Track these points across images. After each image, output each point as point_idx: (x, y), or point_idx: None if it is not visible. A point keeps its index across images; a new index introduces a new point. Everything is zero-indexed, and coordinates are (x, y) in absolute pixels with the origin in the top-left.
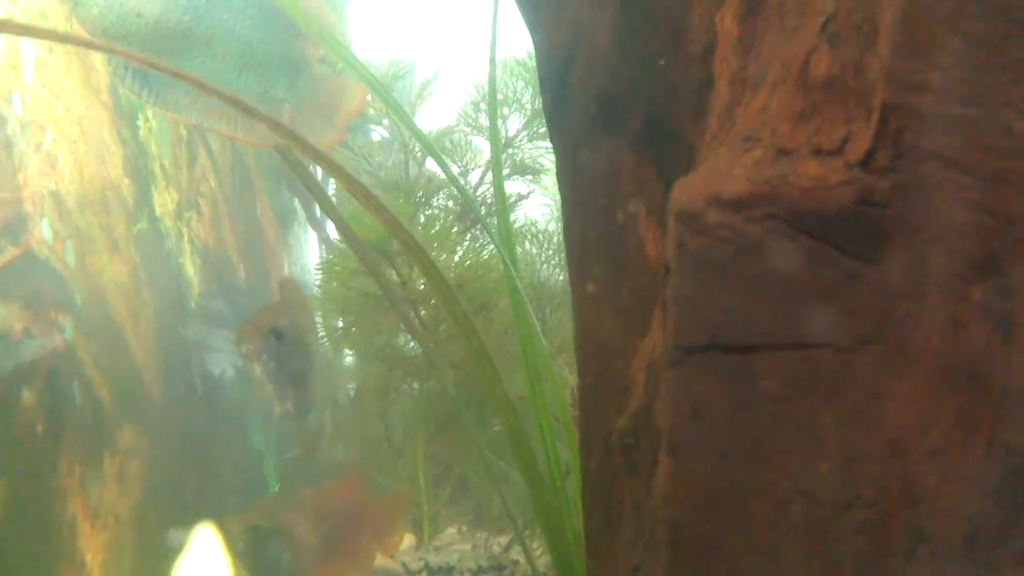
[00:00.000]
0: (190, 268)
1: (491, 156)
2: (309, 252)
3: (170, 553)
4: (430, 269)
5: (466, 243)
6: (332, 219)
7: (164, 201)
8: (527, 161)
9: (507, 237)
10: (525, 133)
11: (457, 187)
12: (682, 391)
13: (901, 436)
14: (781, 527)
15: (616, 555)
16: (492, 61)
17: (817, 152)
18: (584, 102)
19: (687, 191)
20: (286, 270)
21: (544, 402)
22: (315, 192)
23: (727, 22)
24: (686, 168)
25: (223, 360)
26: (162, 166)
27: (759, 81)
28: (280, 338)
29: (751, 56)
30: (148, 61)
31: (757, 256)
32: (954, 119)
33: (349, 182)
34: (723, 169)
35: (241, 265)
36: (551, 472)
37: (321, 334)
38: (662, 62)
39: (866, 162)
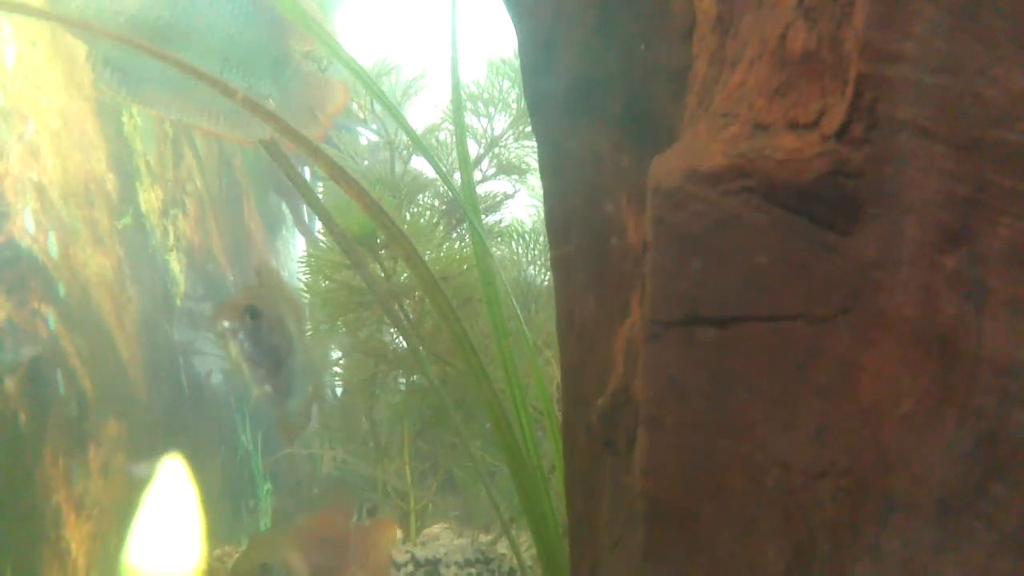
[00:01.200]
0: (175, 265)
1: (458, 154)
2: (296, 256)
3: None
4: (412, 256)
5: (452, 238)
6: (316, 211)
7: (149, 198)
8: (513, 160)
9: (478, 235)
10: (511, 132)
11: (445, 181)
12: (659, 365)
13: (874, 405)
14: (756, 496)
15: (596, 533)
16: (454, 62)
17: (793, 126)
18: (566, 88)
19: (665, 166)
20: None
21: (522, 394)
22: (299, 185)
23: (706, 2)
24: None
25: (209, 361)
26: (147, 163)
27: (737, 59)
28: (256, 318)
29: (729, 35)
30: (128, 42)
31: (733, 229)
32: (928, 88)
33: (331, 167)
34: (700, 144)
35: (228, 266)
36: (533, 464)
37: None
38: (643, 47)
39: (841, 134)
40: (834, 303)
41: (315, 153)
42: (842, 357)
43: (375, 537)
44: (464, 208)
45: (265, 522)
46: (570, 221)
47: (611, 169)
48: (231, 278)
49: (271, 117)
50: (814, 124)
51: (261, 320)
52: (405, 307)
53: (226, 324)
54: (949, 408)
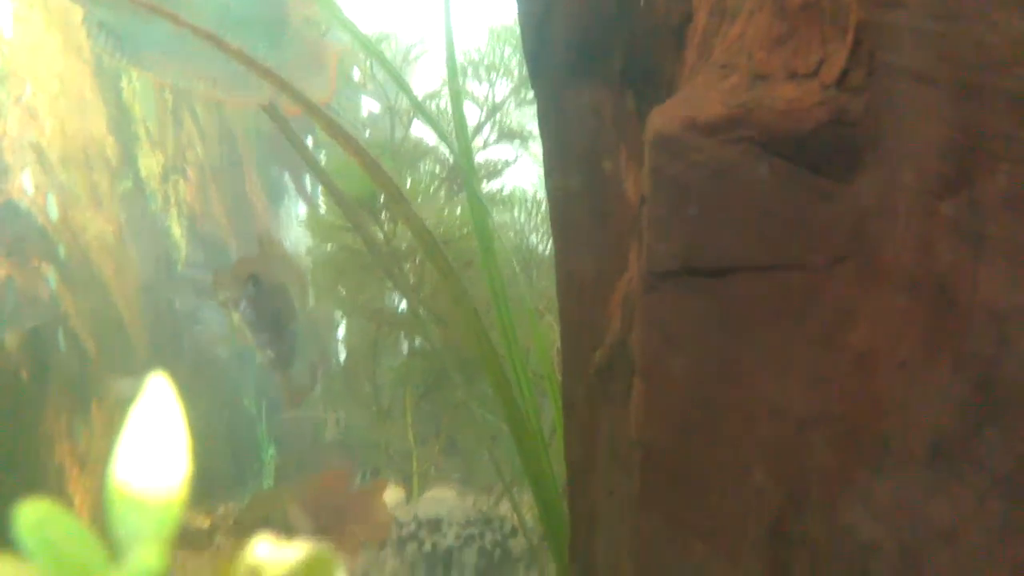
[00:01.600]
0: (176, 230)
1: (453, 115)
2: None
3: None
4: (411, 217)
5: (452, 203)
6: (317, 175)
7: (149, 163)
8: (514, 127)
9: (476, 197)
10: (512, 99)
11: (443, 138)
12: (655, 316)
13: (870, 352)
14: (750, 445)
15: (593, 482)
16: (448, 21)
17: (793, 75)
18: (565, 46)
19: (663, 117)
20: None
21: (523, 358)
22: (299, 148)
23: None
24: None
25: (212, 326)
26: (147, 129)
27: (737, 10)
28: (257, 285)
29: None
30: (124, 5)
31: (731, 179)
32: (926, 34)
33: (330, 125)
34: (699, 95)
35: (230, 232)
36: (534, 427)
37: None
38: (642, 2)
39: (840, 82)
40: (831, 251)
41: (314, 112)
42: (838, 305)
43: (374, 498)
44: (462, 167)
45: (268, 484)
46: (570, 179)
47: (611, 126)
48: (232, 244)
49: (273, 76)
50: (814, 73)
51: (262, 288)
52: (406, 270)
53: (228, 292)
54: (944, 354)
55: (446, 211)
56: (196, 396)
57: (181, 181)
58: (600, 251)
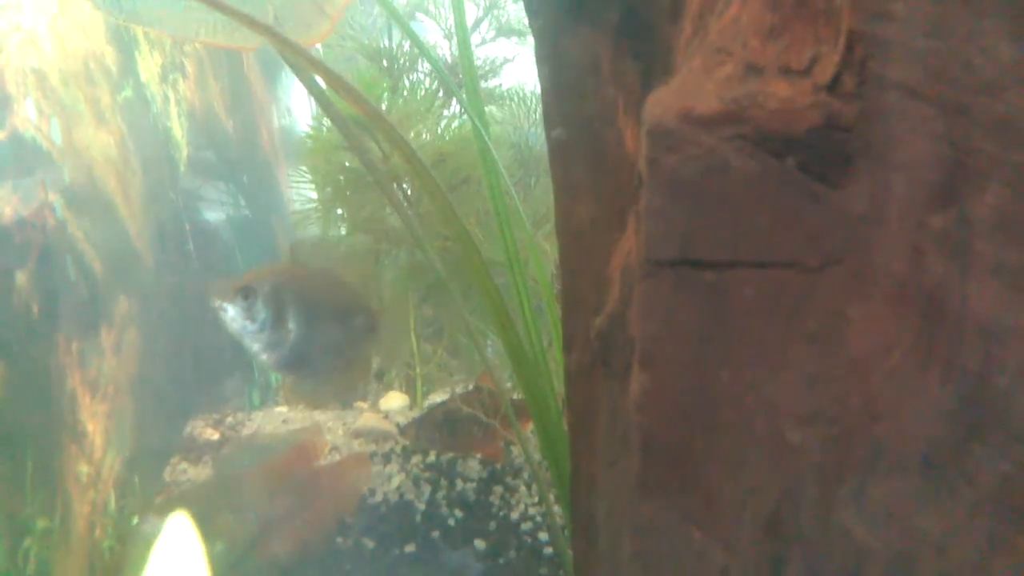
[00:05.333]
0: (178, 131)
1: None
2: (298, 100)
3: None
4: (409, 154)
5: (450, 112)
6: (314, 95)
7: (148, 66)
8: (513, 23)
9: (479, 107)
10: None
11: (429, 59)
12: (654, 303)
13: (863, 356)
14: (747, 437)
15: (594, 445)
16: None
17: (786, 71)
18: None
19: (660, 106)
20: (274, 121)
21: (524, 280)
22: (296, 71)
23: None
24: (663, 66)
25: (215, 213)
26: (145, 30)
27: None
28: (248, 299)
29: None
30: None
31: (725, 175)
32: (917, 51)
33: (328, 75)
34: (695, 84)
35: (230, 121)
36: (532, 345)
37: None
38: None
39: (833, 86)
40: (824, 254)
41: (314, 65)
42: (832, 307)
43: (346, 474)
44: (461, 73)
45: (274, 396)
46: (568, 123)
47: (609, 76)
48: (231, 132)
49: (259, 26)
50: (807, 71)
51: (253, 302)
52: (404, 187)
53: (216, 301)
54: (934, 365)
55: (443, 124)
56: (204, 307)
57: (180, 79)
58: (598, 197)
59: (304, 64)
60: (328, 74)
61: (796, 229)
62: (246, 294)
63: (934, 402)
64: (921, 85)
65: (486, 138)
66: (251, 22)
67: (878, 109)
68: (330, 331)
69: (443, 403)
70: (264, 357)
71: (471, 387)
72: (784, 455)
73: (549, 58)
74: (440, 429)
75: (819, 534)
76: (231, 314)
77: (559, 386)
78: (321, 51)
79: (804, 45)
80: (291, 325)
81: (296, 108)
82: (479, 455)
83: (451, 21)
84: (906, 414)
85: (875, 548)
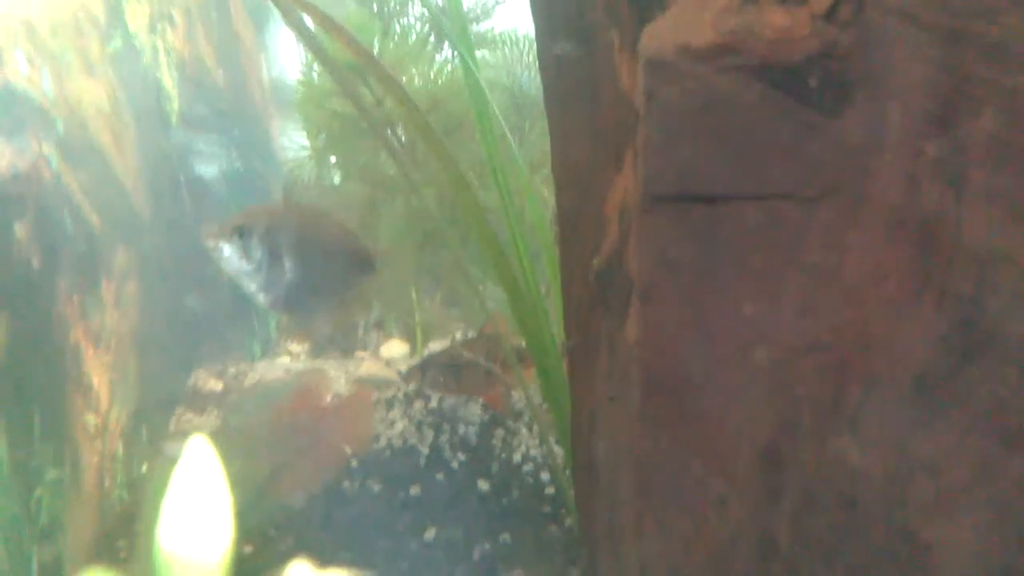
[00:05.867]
0: (168, 82)
1: None
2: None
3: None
4: (402, 97)
5: (442, 57)
6: (305, 42)
7: (136, 16)
8: None
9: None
10: None
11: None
12: (652, 238)
13: (858, 284)
14: (744, 368)
15: (594, 383)
16: None
17: (783, 0)
18: None
19: (656, 39)
20: (264, 72)
21: (519, 224)
22: (285, 15)
23: None
24: (659, 3)
25: (208, 165)
26: None
27: None
28: (243, 238)
29: None
30: None
31: (723, 107)
32: None
33: (317, 16)
34: (691, 16)
35: (220, 71)
36: (530, 290)
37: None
38: None
39: (830, 14)
40: (821, 184)
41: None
42: (828, 237)
43: (354, 410)
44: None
45: (275, 347)
46: (562, 61)
47: (603, 11)
48: (221, 83)
49: None
50: (803, 0)
51: (250, 242)
52: (398, 133)
53: (211, 241)
54: (929, 291)
55: (435, 69)
56: (203, 258)
57: (168, 29)
58: (594, 135)
59: (292, 4)
60: (317, 14)
61: (794, 160)
62: (241, 233)
63: (928, 328)
64: (918, 10)
65: (479, 79)
66: None
67: (876, 36)
68: (327, 269)
69: (447, 348)
70: (261, 297)
71: (471, 334)
72: (780, 385)
73: None
74: (445, 373)
75: (815, 461)
76: (226, 254)
77: (558, 330)
78: None
79: None
80: (287, 264)
81: (286, 58)
82: (481, 399)
83: None
84: (900, 340)
85: (869, 472)
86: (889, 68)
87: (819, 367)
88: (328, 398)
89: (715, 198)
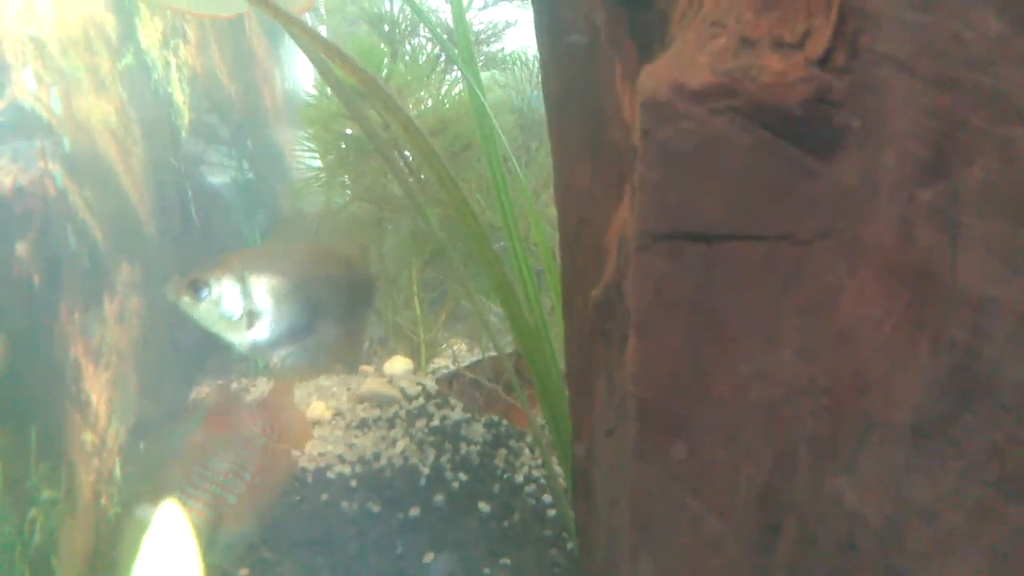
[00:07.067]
0: (179, 97)
1: None
2: (301, 63)
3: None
4: (406, 123)
5: (451, 77)
6: (313, 63)
7: (149, 32)
8: None
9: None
10: None
11: (427, 24)
12: (649, 275)
13: (853, 327)
14: (740, 407)
15: (593, 414)
16: None
17: (779, 44)
18: None
19: (654, 79)
20: (278, 86)
21: (523, 250)
22: (296, 37)
23: None
24: (660, 37)
25: (219, 178)
26: None
27: None
28: (197, 293)
29: None
30: None
31: (719, 148)
32: (907, 24)
33: (321, 43)
34: (688, 56)
35: (233, 86)
36: (532, 311)
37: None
38: None
39: (824, 60)
40: (815, 226)
41: (304, 31)
42: (823, 279)
43: (276, 403)
44: (459, 54)
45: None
46: (566, 91)
47: (606, 41)
48: (234, 97)
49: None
50: (799, 45)
51: (200, 295)
52: (405, 154)
53: (174, 296)
54: (924, 336)
55: (443, 90)
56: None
57: (182, 44)
58: (596, 164)
59: (294, 31)
60: (320, 42)
61: (789, 202)
62: (196, 287)
63: (924, 373)
64: (911, 58)
65: (483, 102)
66: None
67: (869, 82)
68: (319, 307)
69: (478, 362)
70: (246, 345)
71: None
72: (777, 424)
73: (548, 27)
74: (478, 387)
75: (812, 502)
76: (193, 308)
77: (560, 352)
78: (324, 14)
79: (797, 19)
80: (265, 311)
81: (300, 71)
82: (499, 416)
83: None
84: (897, 384)
85: (866, 516)
86: (883, 114)
87: (816, 408)
88: (240, 411)
89: (711, 237)
